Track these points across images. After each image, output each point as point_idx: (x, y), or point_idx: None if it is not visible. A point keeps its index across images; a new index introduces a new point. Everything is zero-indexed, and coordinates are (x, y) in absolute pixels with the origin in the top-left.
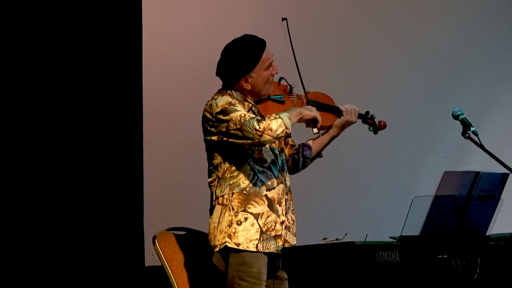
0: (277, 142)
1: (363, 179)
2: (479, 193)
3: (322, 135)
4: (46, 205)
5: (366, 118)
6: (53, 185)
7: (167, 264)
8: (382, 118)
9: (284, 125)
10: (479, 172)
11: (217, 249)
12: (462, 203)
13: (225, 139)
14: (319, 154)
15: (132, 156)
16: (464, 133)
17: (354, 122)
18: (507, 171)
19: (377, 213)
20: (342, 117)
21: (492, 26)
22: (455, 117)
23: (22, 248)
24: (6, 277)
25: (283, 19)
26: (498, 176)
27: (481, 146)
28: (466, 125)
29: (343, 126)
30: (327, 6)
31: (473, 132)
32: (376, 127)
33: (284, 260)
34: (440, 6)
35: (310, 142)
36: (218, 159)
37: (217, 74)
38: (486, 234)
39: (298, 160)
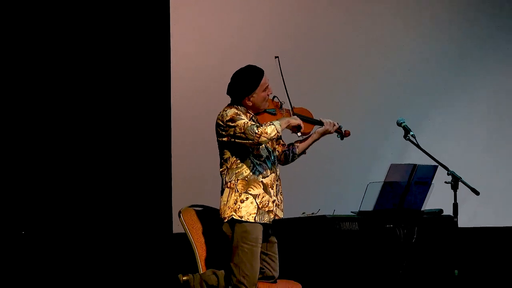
0: (270, 142)
1: (334, 170)
2: (416, 180)
3: (303, 138)
4: (99, 184)
5: (339, 131)
6: (106, 171)
7: (189, 231)
8: (348, 127)
9: (276, 130)
10: (416, 164)
11: (226, 220)
12: (404, 187)
13: (233, 140)
14: (303, 152)
15: (163, 154)
16: (405, 136)
17: (331, 132)
18: (436, 164)
19: (342, 194)
20: (323, 127)
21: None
22: (399, 124)
23: (75, 219)
24: (45, 249)
25: (276, 57)
26: (430, 167)
27: (417, 145)
28: (406, 130)
29: (323, 134)
30: (309, 45)
31: (412, 135)
32: (343, 135)
33: (274, 229)
34: (384, 21)
35: (297, 143)
36: (227, 155)
37: (228, 93)
38: (421, 210)
39: (288, 155)
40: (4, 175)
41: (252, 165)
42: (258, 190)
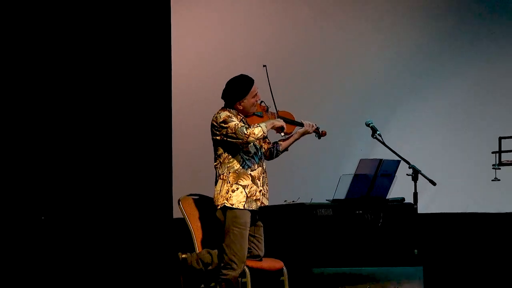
0: (258, 140)
1: (311, 164)
2: (382, 172)
3: (286, 138)
4: (105, 173)
5: (317, 131)
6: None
7: (187, 217)
8: (324, 127)
9: (262, 131)
10: (382, 159)
11: (219, 207)
12: (371, 179)
13: (225, 139)
14: (286, 149)
15: (165, 150)
16: (372, 135)
17: (310, 133)
18: (399, 159)
19: (319, 185)
20: (303, 128)
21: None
22: (367, 124)
23: (79, 205)
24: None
25: (264, 65)
26: (394, 162)
27: (383, 143)
28: (374, 130)
29: (303, 134)
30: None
31: (378, 134)
32: (320, 135)
33: (261, 214)
34: (353, 26)
35: (281, 142)
36: (220, 151)
37: (222, 97)
38: (386, 198)
39: (273, 152)
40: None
41: (242, 160)
42: (247, 181)
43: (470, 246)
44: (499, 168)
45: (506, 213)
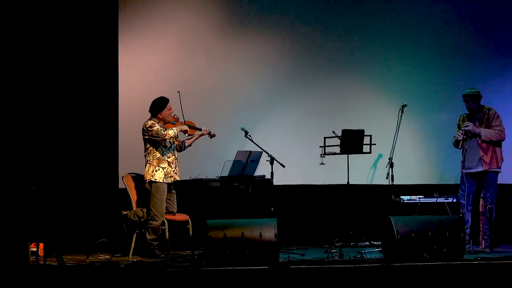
0: (172, 139)
1: (207, 154)
2: (251, 159)
3: (189, 138)
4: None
5: (210, 133)
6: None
7: (128, 187)
8: (214, 131)
9: (174, 133)
10: (251, 151)
11: (147, 181)
12: (244, 163)
13: (151, 138)
14: (189, 145)
15: (112, 144)
16: (245, 136)
17: (205, 135)
18: (262, 151)
19: (211, 167)
20: (201, 131)
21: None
22: (242, 129)
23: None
24: None
25: (178, 91)
26: (259, 152)
27: (252, 141)
28: (246, 132)
29: (201, 135)
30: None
31: (249, 135)
32: (211, 136)
33: (174, 185)
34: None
35: (186, 140)
36: (148, 145)
37: (149, 111)
38: (253, 175)
39: (181, 147)
40: None
41: (161, 151)
42: (165, 164)
43: (306, 205)
44: (324, 156)
45: (328, 184)
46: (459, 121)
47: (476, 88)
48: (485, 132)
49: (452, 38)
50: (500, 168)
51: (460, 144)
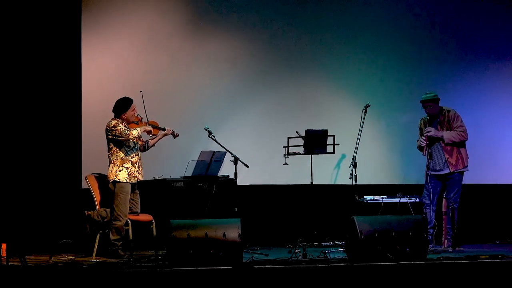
0: (135, 139)
1: (171, 154)
2: (214, 159)
3: (153, 138)
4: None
5: (173, 133)
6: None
7: (91, 188)
8: (178, 131)
9: (138, 133)
10: (214, 151)
11: (110, 181)
12: (208, 163)
13: (115, 137)
14: (153, 145)
15: (75, 146)
16: (209, 136)
17: (168, 134)
18: (226, 151)
19: (175, 167)
20: (164, 131)
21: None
22: (206, 129)
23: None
24: None
25: (140, 91)
26: (223, 152)
27: (215, 141)
28: (209, 132)
29: (164, 135)
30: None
31: (212, 135)
32: (175, 136)
33: (137, 185)
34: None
35: (150, 140)
36: (111, 145)
37: (113, 111)
38: (217, 175)
39: (145, 147)
40: None
41: (125, 151)
42: (128, 164)
43: (270, 205)
44: (288, 156)
45: (292, 184)
46: (420, 124)
47: (432, 92)
48: (447, 135)
49: (415, 40)
50: (466, 167)
51: (424, 149)
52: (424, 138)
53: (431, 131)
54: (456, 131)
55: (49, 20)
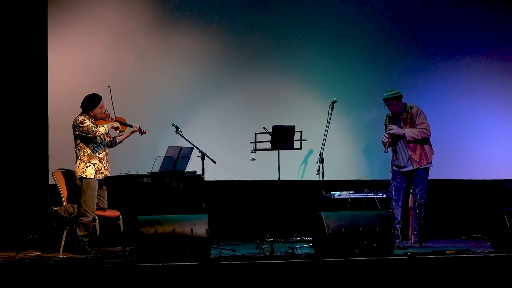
0: (102, 135)
1: (138, 150)
2: (181, 155)
3: (121, 134)
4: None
5: (140, 130)
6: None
7: (58, 183)
8: (145, 128)
9: (105, 129)
10: (182, 147)
11: (78, 177)
12: (175, 159)
13: (82, 134)
14: (120, 142)
15: (42, 141)
16: (176, 131)
17: (136, 131)
18: (193, 146)
19: (141, 163)
20: (132, 128)
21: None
22: (173, 125)
23: None
24: None
25: (109, 86)
26: (190, 148)
27: (183, 136)
28: (177, 128)
29: (132, 132)
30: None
31: (180, 131)
32: (142, 133)
33: (104, 181)
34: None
35: (117, 137)
36: (78, 141)
37: (81, 106)
38: (184, 171)
39: (112, 143)
40: None
41: (92, 147)
42: (96, 161)
43: (237, 201)
44: (255, 152)
45: (259, 180)
46: (385, 121)
47: (394, 89)
48: (409, 133)
49: (381, 36)
50: (430, 163)
51: (387, 146)
52: (386, 135)
53: (393, 129)
54: (418, 128)
55: (14, 16)
